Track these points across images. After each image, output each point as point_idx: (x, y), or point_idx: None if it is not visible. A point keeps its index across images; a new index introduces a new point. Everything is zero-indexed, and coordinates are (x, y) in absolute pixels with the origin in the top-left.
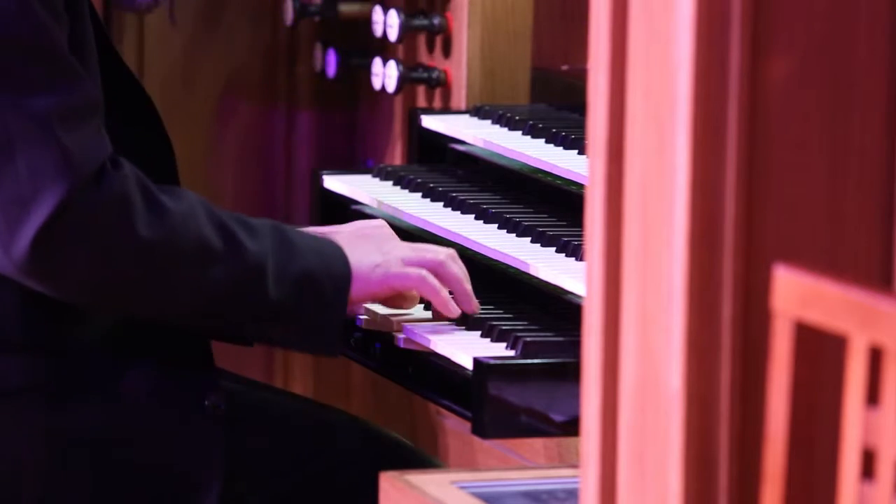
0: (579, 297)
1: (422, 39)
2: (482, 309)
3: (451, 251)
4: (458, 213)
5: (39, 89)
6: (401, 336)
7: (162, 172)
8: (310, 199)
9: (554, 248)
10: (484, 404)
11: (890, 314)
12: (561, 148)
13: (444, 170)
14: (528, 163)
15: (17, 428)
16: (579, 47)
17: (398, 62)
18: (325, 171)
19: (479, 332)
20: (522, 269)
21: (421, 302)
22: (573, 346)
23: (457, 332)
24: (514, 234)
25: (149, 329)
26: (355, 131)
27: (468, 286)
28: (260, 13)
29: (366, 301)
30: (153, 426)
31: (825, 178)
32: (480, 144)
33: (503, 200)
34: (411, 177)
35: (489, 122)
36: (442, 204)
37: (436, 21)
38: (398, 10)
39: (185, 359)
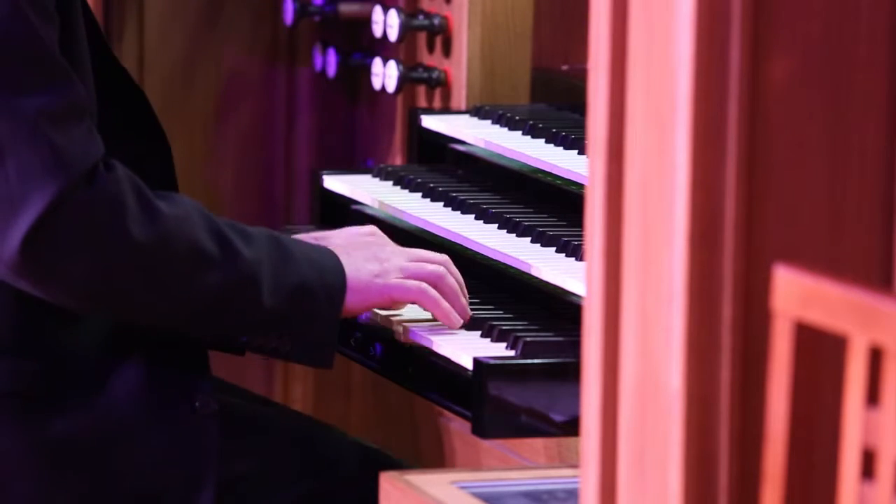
0: (579, 297)
1: (422, 39)
2: (482, 309)
3: (446, 258)
4: (458, 213)
5: (29, 90)
6: (401, 332)
7: (159, 173)
8: (310, 199)
9: (554, 248)
10: (484, 404)
11: (890, 314)
12: (561, 148)
13: (444, 170)
14: (528, 163)
15: (8, 432)
16: (579, 47)
17: (398, 62)
18: (325, 171)
19: (479, 332)
20: (522, 269)
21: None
22: (573, 346)
23: (457, 333)
24: (514, 234)
25: (139, 331)
26: (355, 131)
27: (464, 300)
28: (260, 13)
29: (364, 311)
30: (144, 429)
31: (825, 178)
32: (480, 144)
33: (503, 200)
34: (411, 177)
35: (489, 122)
36: (442, 204)
37: (436, 21)
38: (398, 10)
39: (175, 361)
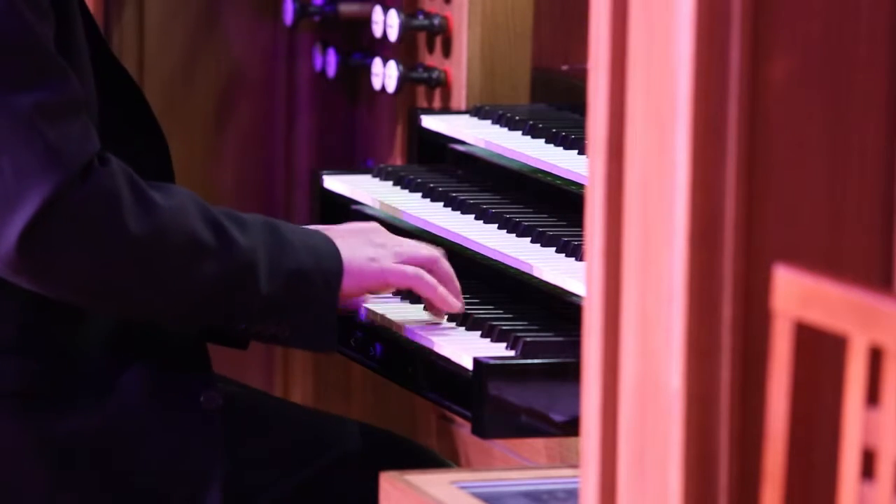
0: (579, 297)
1: (422, 39)
2: (482, 309)
3: (441, 249)
4: (458, 213)
5: (23, 86)
6: (401, 332)
7: (157, 170)
8: (310, 199)
9: (554, 248)
10: (484, 404)
11: (890, 314)
12: (561, 148)
13: (444, 170)
14: (528, 163)
15: (14, 431)
16: (579, 47)
17: (398, 62)
18: (325, 171)
19: (479, 332)
20: (522, 269)
21: (419, 302)
22: (573, 346)
23: (457, 332)
24: (514, 234)
25: (143, 329)
26: (355, 131)
27: (457, 284)
28: (260, 13)
29: (360, 295)
30: (149, 426)
31: (825, 178)
32: (480, 144)
33: (503, 200)
34: (411, 177)
35: (489, 122)
36: (442, 204)
37: (436, 21)
38: (398, 10)
39: (179, 358)
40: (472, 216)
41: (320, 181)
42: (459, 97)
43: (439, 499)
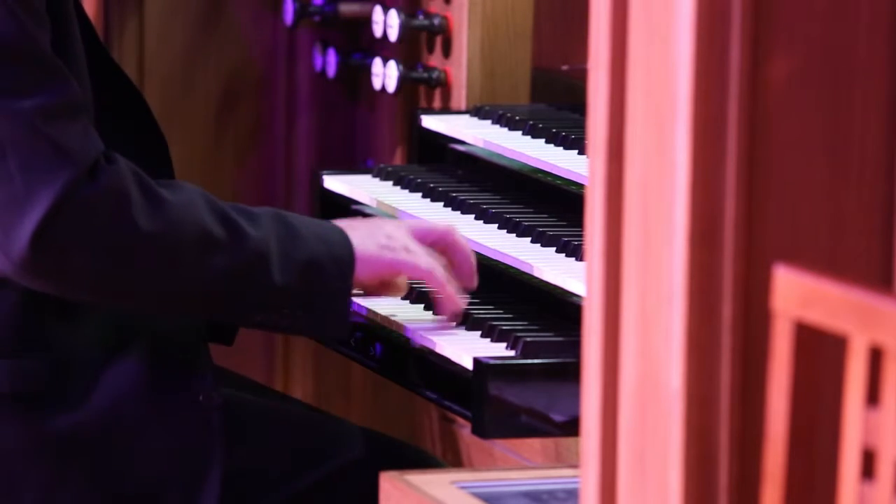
0: (579, 297)
1: (422, 39)
2: (482, 309)
3: (452, 227)
4: (458, 213)
5: (24, 90)
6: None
7: (157, 171)
8: (310, 199)
9: (554, 249)
10: (484, 404)
11: (890, 314)
12: (561, 148)
13: (444, 170)
14: (528, 163)
15: (12, 431)
16: (579, 47)
17: (398, 62)
18: (325, 171)
19: (479, 332)
20: (522, 269)
21: (419, 302)
22: (573, 346)
23: (457, 332)
24: (514, 235)
25: (140, 327)
26: (355, 131)
27: (473, 261)
28: (260, 13)
29: (374, 281)
30: (148, 424)
31: (825, 178)
32: (480, 144)
33: (503, 200)
34: (411, 177)
35: (489, 122)
36: (442, 204)
37: (436, 21)
38: (398, 10)
39: (177, 355)
40: (472, 216)
41: (320, 181)
42: (459, 97)
43: (439, 499)
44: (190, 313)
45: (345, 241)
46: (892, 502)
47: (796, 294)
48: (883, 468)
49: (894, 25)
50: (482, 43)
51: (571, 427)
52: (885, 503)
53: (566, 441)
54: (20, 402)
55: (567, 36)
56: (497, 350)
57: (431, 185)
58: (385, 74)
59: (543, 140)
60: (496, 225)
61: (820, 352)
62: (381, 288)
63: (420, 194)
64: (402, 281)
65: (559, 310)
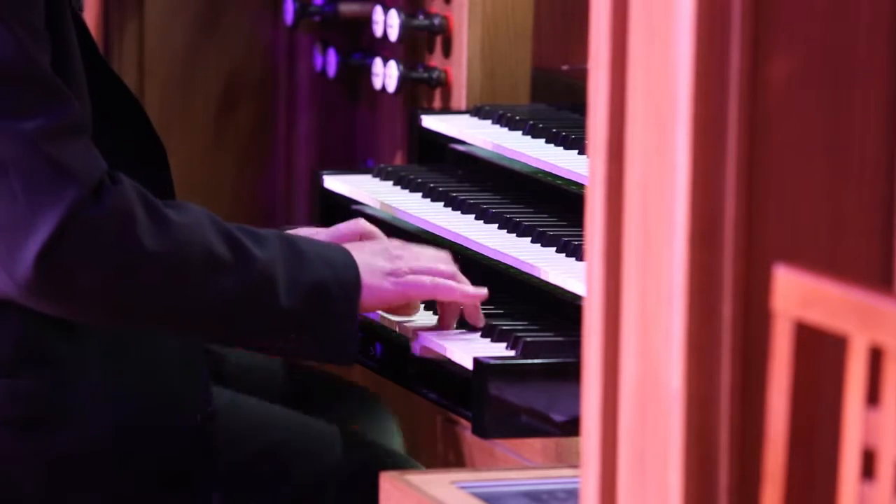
0: (579, 296)
1: (422, 39)
2: (482, 309)
3: (448, 253)
4: (459, 213)
5: (26, 111)
6: (417, 344)
7: (155, 177)
8: (310, 199)
9: (554, 249)
10: (484, 404)
11: (890, 314)
12: (561, 148)
13: (445, 170)
14: (529, 163)
15: (9, 451)
16: (579, 47)
17: (398, 62)
18: (325, 171)
19: (479, 332)
20: (523, 269)
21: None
22: (573, 346)
23: (457, 333)
24: (515, 234)
25: (138, 345)
26: (355, 131)
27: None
28: (260, 13)
29: (380, 308)
30: (144, 436)
31: (825, 179)
32: (481, 144)
33: (503, 200)
34: (411, 177)
35: (489, 122)
36: (442, 204)
37: (436, 21)
38: (398, 10)
39: (173, 366)
40: (473, 216)
41: (320, 181)
42: (459, 97)
43: (439, 499)
44: (194, 336)
45: (351, 265)
46: (892, 502)
47: (796, 294)
48: (883, 468)
49: (894, 25)
50: (482, 43)
51: (571, 427)
52: (885, 503)
53: (567, 441)
54: (19, 423)
55: (567, 36)
56: (497, 350)
57: (431, 185)
58: (385, 74)
59: (543, 140)
60: (496, 225)
61: (820, 352)
62: (392, 309)
63: (420, 194)
64: (416, 302)
65: (559, 310)
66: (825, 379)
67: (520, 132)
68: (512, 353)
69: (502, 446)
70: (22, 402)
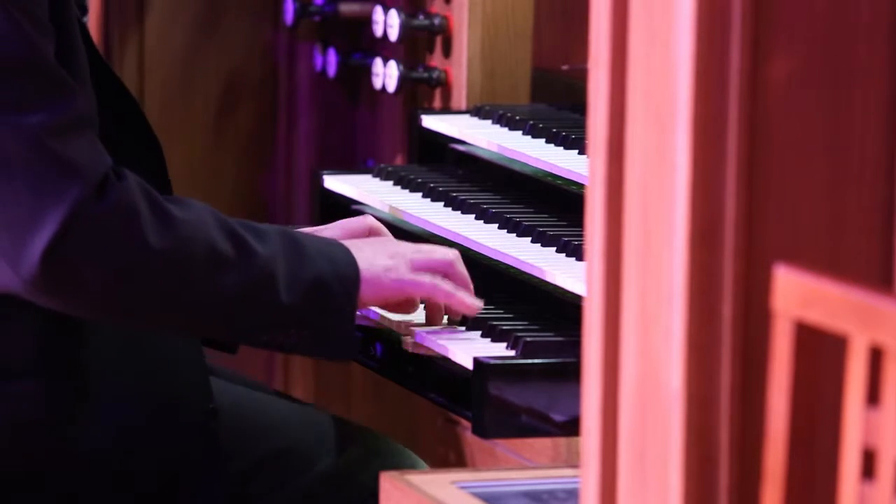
0: (579, 296)
1: (422, 39)
2: (483, 309)
3: (455, 251)
4: (459, 213)
5: (33, 106)
6: (410, 340)
7: (152, 173)
8: (310, 199)
9: (554, 248)
10: (484, 404)
11: (890, 314)
12: (561, 148)
13: (445, 170)
14: (529, 163)
15: (23, 452)
16: (579, 47)
17: (398, 62)
18: (325, 171)
19: (479, 332)
20: (522, 268)
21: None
22: (573, 346)
23: (457, 333)
24: (515, 234)
25: (143, 344)
26: (355, 131)
27: (471, 286)
28: (260, 13)
29: (377, 304)
30: (152, 434)
31: (825, 179)
32: (481, 144)
33: (503, 200)
34: (411, 177)
35: (489, 122)
36: (442, 204)
37: (436, 21)
38: (398, 10)
39: (177, 364)
40: (473, 216)
41: (320, 181)
42: (460, 97)
43: (439, 499)
44: (196, 331)
45: (351, 261)
46: (892, 502)
47: (796, 294)
48: (883, 468)
49: (894, 25)
50: (482, 43)
51: (571, 427)
52: (885, 503)
53: (569, 442)
54: (34, 423)
55: (567, 36)
56: (497, 350)
57: (431, 185)
58: (385, 74)
59: (543, 140)
60: (496, 225)
61: (820, 352)
62: (391, 306)
63: (420, 194)
64: (415, 300)
65: (559, 310)
66: (825, 379)
67: (520, 132)
68: (512, 353)
69: (503, 446)
70: (38, 404)
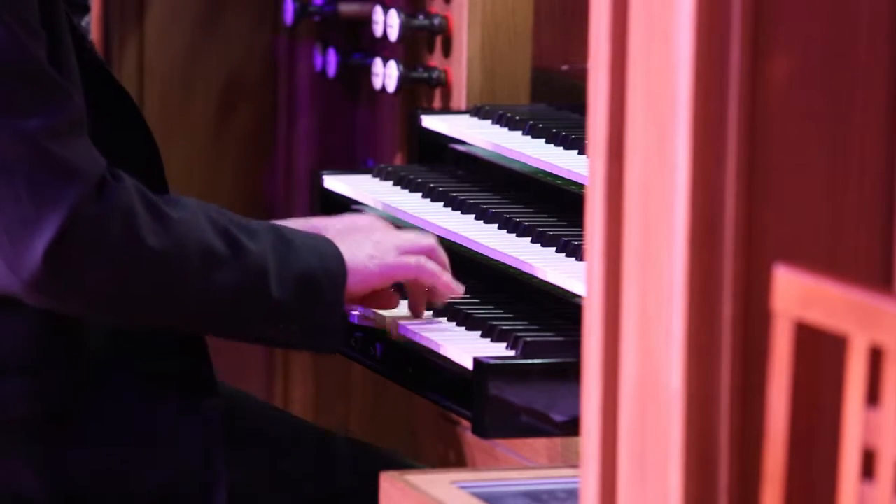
0: (579, 297)
1: (422, 39)
2: (482, 309)
3: (433, 236)
4: (459, 213)
5: (29, 110)
6: (394, 332)
7: (147, 172)
8: (310, 199)
9: (554, 248)
10: (484, 404)
11: (890, 314)
12: (561, 148)
13: (445, 170)
14: (529, 163)
15: (19, 454)
16: (579, 47)
17: (398, 62)
18: (325, 171)
19: (479, 332)
20: (523, 269)
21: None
22: (573, 346)
23: (457, 332)
24: (515, 234)
25: (142, 341)
26: (355, 131)
27: (449, 270)
28: (260, 13)
29: (366, 292)
30: (150, 435)
31: (825, 178)
32: (481, 144)
33: (503, 200)
34: (411, 177)
35: (489, 122)
36: (442, 204)
37: (436, 21)
38: (398, 10)
39: (178, 367)
40: (473, 216)
41: (320, 181)
42: (459, 97)
43: (439, 499)
44: (192, 327)
45: (336, 254)
46: (892, 502)
47: (796, 294)
48: (883, 468)
49: (894, 25)
50: (482, 43)
51: (571, 427)
52: (885, 503)
53: (569, 442)
54: (37, 420)
55: (567, 36)
56: (497, 350)
57: (431, 185)
58: (385, 74)
59: (543, 140)
60: (496, 225)
61: (820, 352)
62: (375, 299)
63: (420, 194)
64: (396, 296)
65: (559, 310)
66: (825, 379)
67: (520, 132)
68: (512, 353)
69: (503, 446)
70: (40, 400)
